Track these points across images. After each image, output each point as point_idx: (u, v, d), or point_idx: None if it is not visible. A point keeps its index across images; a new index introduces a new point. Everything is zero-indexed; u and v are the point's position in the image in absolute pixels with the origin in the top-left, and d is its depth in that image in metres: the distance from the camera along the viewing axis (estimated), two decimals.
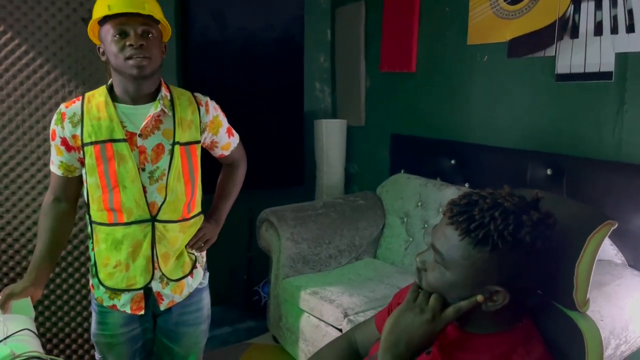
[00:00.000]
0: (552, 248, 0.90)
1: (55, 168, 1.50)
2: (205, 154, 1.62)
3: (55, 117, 1.46)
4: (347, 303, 2.27)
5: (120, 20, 1.35)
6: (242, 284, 3.19)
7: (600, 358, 0.96)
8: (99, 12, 1.37)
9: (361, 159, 3.38)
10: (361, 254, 2.80)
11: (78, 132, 1.43)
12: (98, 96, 1.45)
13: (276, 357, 2.66)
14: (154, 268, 1.49)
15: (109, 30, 1.37)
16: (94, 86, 1.55)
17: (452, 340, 0.95)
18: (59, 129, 1.44)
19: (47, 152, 2.00)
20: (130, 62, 1.36)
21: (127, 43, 1.35)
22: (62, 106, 1.46)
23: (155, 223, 1.47)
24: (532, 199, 0.91)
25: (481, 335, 0.93)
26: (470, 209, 0.89)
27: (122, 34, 1.36)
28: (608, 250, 1.93)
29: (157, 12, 1.40)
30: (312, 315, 2.40)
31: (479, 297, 0.88)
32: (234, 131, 1.67)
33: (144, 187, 1.45)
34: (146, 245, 1.47)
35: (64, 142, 1.44)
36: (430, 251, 0.94)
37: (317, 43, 3.37)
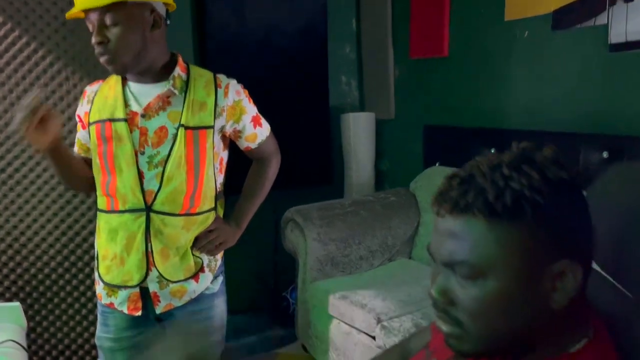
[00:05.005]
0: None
1: (74, 146, 1.49)
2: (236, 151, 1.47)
3: (80, 96, 1.45)
4: (380, 307, 2.07)
5: (86, 14, 1.25)
6: (269, 290, 3.02)
7: None
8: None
9: (392, 154, 3.17)
10: (395, 255, 2.59)
11: (88, 110, 1.38)
12: (115, 76, 1.38)
13: None
14: (149, 265, 1.34)
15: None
16: (99, 77, 1.45)
17: None
18: (79, 106, 1.43)
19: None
20: (102, 60, 1.27)
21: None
22: (88, 85, 1.45)
23: (151, 214, 1.32)
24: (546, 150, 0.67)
25: None
26: (470, 184, 0.64)
27: (93, 29, 1.26)
28: None
29: None
30: (343, 321, 2.20)
31: None
32: (263, 121, 1.48)
33: (141, 172, 1.31)
34: (140, 237, 1.33)
35: (80, 119, 1.43)
36: (446, 272, 0.67)
37: (341, 33, 3.20)
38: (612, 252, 0.75)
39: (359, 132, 3.05)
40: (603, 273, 0.80)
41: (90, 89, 1.41)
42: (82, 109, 1.41)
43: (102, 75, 1.50)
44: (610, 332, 0.71)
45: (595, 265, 0.80)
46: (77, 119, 1.44)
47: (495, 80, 2.46)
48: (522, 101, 2.35)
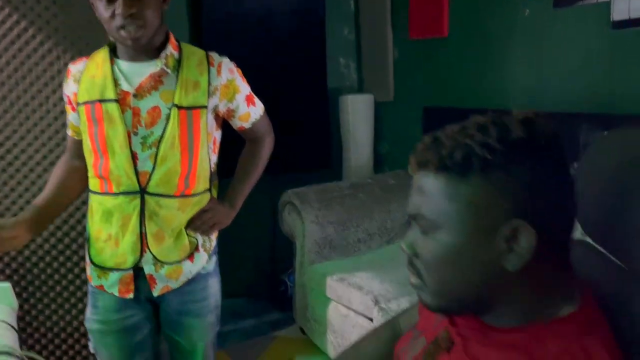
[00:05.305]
0: (564, 152, 0.65)
1: (67, 128, 1.44)
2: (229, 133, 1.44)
3: (64, 75, 1.40)
4: (377, 290, 2.05)
5: None
6: (268, 274, 3.01)
7: None
8: None
9: (391, 137, 3.13)
10: (393, 238, 2.57)
11: (76, 90, 1.34)
12: (101, 53, 1.34)
13: (303, 350, 2.46)
14: (143, 247, 1.31)
15: None
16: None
17: (479, 339, 0.69)
18: (65, 86, 1.38)
19: (43, 131, 1.85)
20: (123, 33, 1.22)
21: (116, 11, 1.19)
22: (70, 64, 1.39)
23: (146, 196, 1.30)
24: (522, 112, 0.66)
25: (519, 329, 0.65)
26: (436, 142, 0.66)
27: (105, 4, 1.20)
28: None
29: None
30: (340, 304, 2.19)
31: None
32: (256, 100, 1.46)
33: (134, 154, 1.28)
34: (135, 220, 1.30)
35: (69, 100, 1.38)
36: (414, 225, 0.70)
37: (340, 14, 3.15)
38: (602, 222, 0.72)
39: (357, 115, 3.01)
40: (593, 243, 0.77)
41: (74, 68, 1.36)
42: (69, 89, 1.36)
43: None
44: (601, 300, 0.69)
45: (584, 236, 0.78)
46: (65, 99, 1.40)
47: (495, 60, 2.41)
48: (523, 81, 2.31)
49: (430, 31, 2.70)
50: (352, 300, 2.10)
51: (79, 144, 1.39)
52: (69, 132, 1.43)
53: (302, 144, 2.94)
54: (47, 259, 1.89)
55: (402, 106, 3.01)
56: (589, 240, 0.79)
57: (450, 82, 2.67)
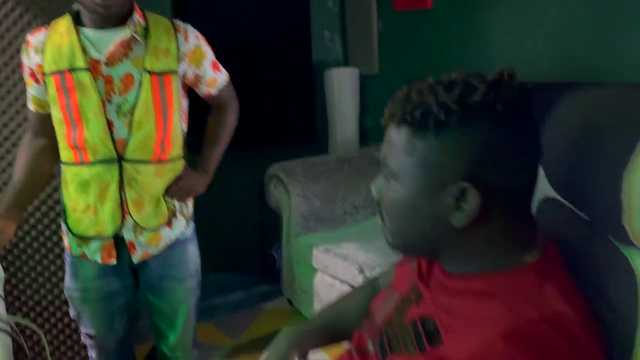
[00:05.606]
0: (528, 117, 0.65)
1: (29, 103, 1.39)
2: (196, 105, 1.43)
3: (22, 46, 1.35)
4: (362, 259, 2.09)
5: None
6: (256, 247, 3.03)
7: None
8: None
9: (377, 111, 3.10)
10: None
11: (40, 61, 1.30)
12: (63, 22, 1.31)
13: (290, 320, 2.51)
14: (124, 214, 1.33)
15: None
16: None
17: (444, 287, 0.72)
18: (25, 58, 1.34)
19: (18, 98, 1.83)
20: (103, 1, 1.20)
21: None
22: (28, 34, 1.35)
23: (124, 163, 1.31)
24: (499, 73, 0.66)
25: (479, 275, 0.68)
26: (406, 96, 0.69)
27: None
28: None
29: None
30: (327, 273, 2.23)
31: None
32: (221, 67, 1.48)
33: (110, 122, 1.29)
34: (113, 187, 1.31)
35: (31, 73, 1.34)
36: (381, 172, 0.75)
37: None
38: (568, 179, 0.75)
39: (343, 88, 3.01)
40: (561, 199, 0.80)
41: (34, 38, 1.32)
42: (31, 61, 1.32)
43: None
44: (568, 252, 0.72)
45: (553, 192, 0.80)
46: (26, 72, 1.35)
47: (480, 30, 2.42)
48: (508, 52, 2.31)
49: (415, 3, 2.69)
50: (338, 270, 2.14)
51: (43, 118, 1.37)
52: (32, 107, 1.39)
53: (287, 118, 2.95)
54: (25, 227, 1.88)
55: (387, 79, 3.01)
56: (557, 196, 0.82)
57: (435, 53, 2.67)
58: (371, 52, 3.02)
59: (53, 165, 1.42)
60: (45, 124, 1.37)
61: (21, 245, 1.90)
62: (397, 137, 0.69)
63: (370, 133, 3.19)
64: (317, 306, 2.29)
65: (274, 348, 0.91)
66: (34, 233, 1.91)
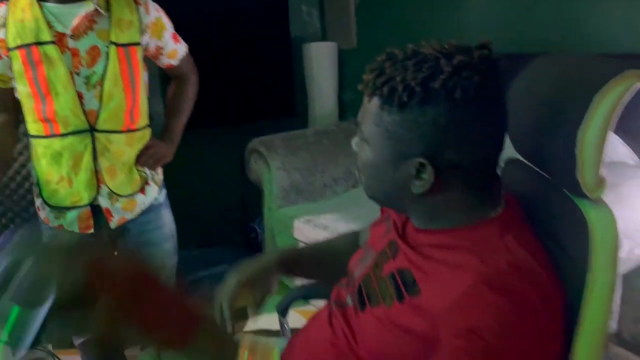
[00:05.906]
0: (489, 100, 0.70)
1: None
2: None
3: None
4: (342, 229, 2.14)
5: None
6: (238, 221, 3.08)
7: (613, 255, 0.71)
8: None
9: (355, 85, 3.13)
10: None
11: (3, 36, 1.31)
12: None
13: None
14: (99, 183, 1.39)
15: None
16: None
17: (417, 242, 0.79)
18: None
19: None
20: None
21: None
22: None
23: (96, 134, 1.35)
24: (475, 45, 0.71)
25: (446, 230, 0.75)
26: (380, 68, 0.73)
27: None
28: (620, 150, 1.77)
29: None
30: (307, 244, 2.28)
31: None
32: (180, 38, 1.53)
33: (80, 94, 1.32)
34: (87, 157, 1.36)
35: None
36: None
37: None
38: (530, 140, 0.81)
39: (321, 63, 3.03)
40: (523, 160, 0.87)
41: None
42: None
43: None
44: (530, 209, 0.78)
45: (516, 154, 0.87)
46: None
47: (457, 2, 2.46)
48: (486, 24, 2.37)
49: None
50: (319, 240, 2.20)
51: (6, 92, 1.39)
52: None
53: (266, 93, 2.96)
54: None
55: (365, 53, 3.03)
56: (519, 157, 0.88)
57: (413, 26, 2.70)
58: (349, 26, 3.04)
59: (14, 142, 1.46)
60: (5, 98, 1.39)
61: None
62: (368, 106, 0.75)
63: (348, 107, 3.23)
64: None
65: (265, 257, 1.05)
66: (8, 203, 1.92)
